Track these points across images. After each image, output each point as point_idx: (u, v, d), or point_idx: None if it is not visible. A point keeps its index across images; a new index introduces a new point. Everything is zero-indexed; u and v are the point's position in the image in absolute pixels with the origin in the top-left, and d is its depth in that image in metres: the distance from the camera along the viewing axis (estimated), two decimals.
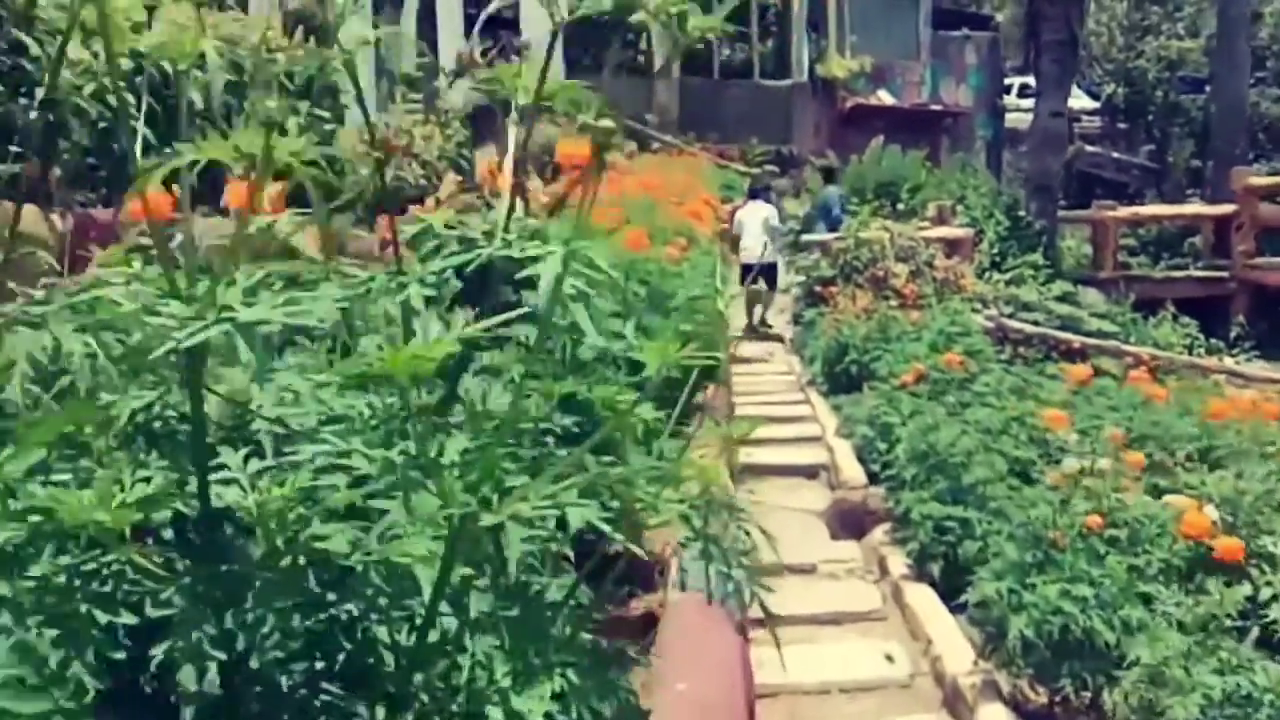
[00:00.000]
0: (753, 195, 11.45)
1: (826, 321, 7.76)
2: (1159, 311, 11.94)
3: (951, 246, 10.89)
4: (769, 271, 10.46)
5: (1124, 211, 12.97)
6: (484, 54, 20.04)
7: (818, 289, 10.14)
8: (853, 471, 5.53)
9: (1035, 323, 10.45)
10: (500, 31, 20.73)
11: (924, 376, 5.65)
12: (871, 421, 5.71)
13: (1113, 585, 3.06)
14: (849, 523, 5.31)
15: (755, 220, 10.73)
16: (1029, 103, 27.87)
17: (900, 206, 14.65)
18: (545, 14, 1.13)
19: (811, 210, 12.38)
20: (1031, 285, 11.16)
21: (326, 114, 5.69)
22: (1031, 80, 29.09)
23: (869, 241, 10.46)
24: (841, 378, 7.10)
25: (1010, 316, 10.22)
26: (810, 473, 6.00)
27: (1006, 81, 23.15)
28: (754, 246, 10.36)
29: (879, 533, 4.84)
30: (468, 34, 20.20)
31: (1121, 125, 23.94)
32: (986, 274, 11.15)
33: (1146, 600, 3.17)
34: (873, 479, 5.48)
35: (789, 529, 5.01)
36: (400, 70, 11.94)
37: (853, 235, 10.64)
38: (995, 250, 11.64)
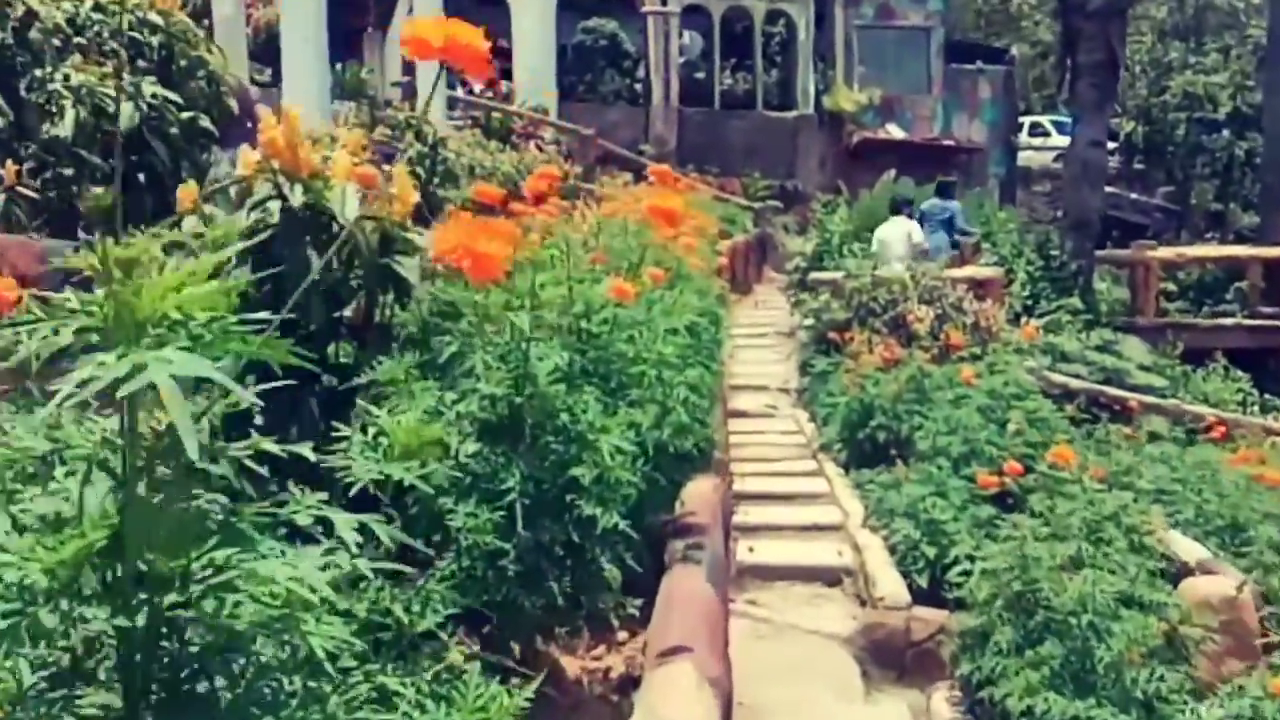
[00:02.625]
0: (894, 210, 10.31)
1: (845, 377, 6.42)
2: (1207, 363, 10.63)
3: (979, 288, 9.61)
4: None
5: (1166, 252, 11.73)
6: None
7: (829, 334, 8.86)
8: (891, 585, 4.17)
9: (1077, 375, 9.15)
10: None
11: (1016, 474, 4.26)
12: (913, 515, 4.35)
13: None
14: (887, 657, 3.94)
15: (898, 238, 9.62)
16: (1039, 141, 27.08)
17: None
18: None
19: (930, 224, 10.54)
20: (1070, 333, 9.85)
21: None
22: (1043, 119, 28.34)
23: (888, 281, 9.18)
24: (865, 446, 5.75)
25: (1048, 368, 8.92)
26: (831, 578, 4.62)
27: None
28: (895, 266, 9.21)
29: (941, 696, 3.45)
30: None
31: (1138, 165, 22.86)
32: (1020, 319, 9.84)
33: None
34: (917, 594, 4.12)
35: (807, 670, 3.62)
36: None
37: (868, 273, 9.38)
38: (1027, 293, 10.35)
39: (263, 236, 1.92)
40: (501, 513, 1.64)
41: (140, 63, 4.38)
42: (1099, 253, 11.17)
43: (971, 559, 4.15)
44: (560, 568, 1.78)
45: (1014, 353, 6.66)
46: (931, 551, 4.13)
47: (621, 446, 1.79)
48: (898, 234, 9.79)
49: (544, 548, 1.73)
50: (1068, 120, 27.85)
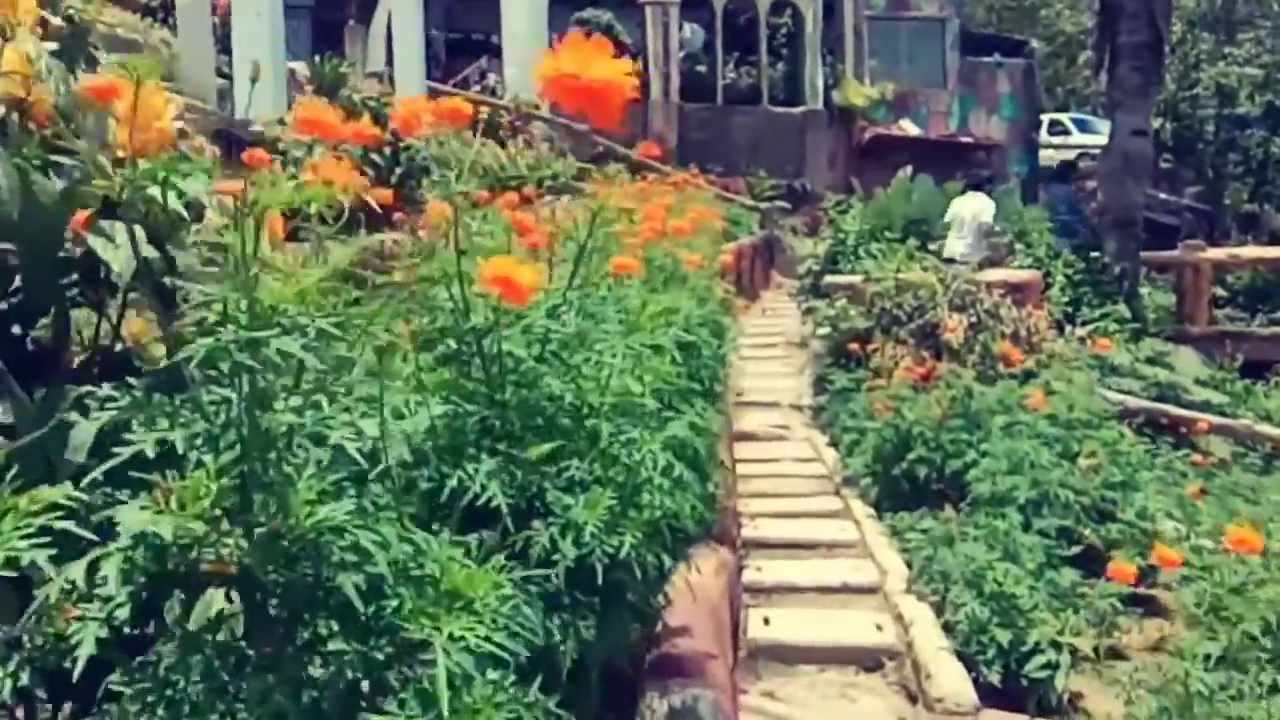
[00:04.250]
0: (973, 186, 10.21)
1: (874, 398, 5.39)
2: (1268, 377, 9.60)
3: (1015, 292, 8.59)
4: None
5: (1218, 252, 10.70)
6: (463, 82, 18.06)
7: (849, 344, 7.85)
8: (951, 679, 3.16)
9: (1129, 392, 8.12)
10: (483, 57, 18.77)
11: (1169, 564, 3.19)
12: (976, 583, 3.33)
13: None
14: None
15: (966, 215, 9.50)
16: (1059, 139, 26.00)
17: (933, 246, 12.43)
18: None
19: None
20: (1118, 343, 8.82)
21: None
22: (1063, 117, 27.26)
23: (914, 285, 8.17)
24: (901, 483, 4.72)
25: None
26: (869, 661, 3.60)
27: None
28: (955, 244, 9.31)
29: None
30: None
31: (1165, 163, 21.81)
32: (1062, 328, 8.84)
33: None
34: (986, 692, 3.10)
35: None
36: None
37: (891, 276, 8.38)
38: (1066, 298, 9.32)
39: None
40: None
41: None
42: (1143, 254, 10.14)
43: (1058, 646, 3.13)
44: None
45: (1070, 368, 5.60)
46: (1005, 636, 3.12)
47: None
48: (966, 211, 9.45)
49: None
50: (1089, 118, 26.93)
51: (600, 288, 2.01)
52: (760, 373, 9.32)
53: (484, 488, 1.05)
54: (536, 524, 1.11)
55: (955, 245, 9.21)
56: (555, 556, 1.07)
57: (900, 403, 4.92)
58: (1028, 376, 6.06)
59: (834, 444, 6.49)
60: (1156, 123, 20.92)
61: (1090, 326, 9.15)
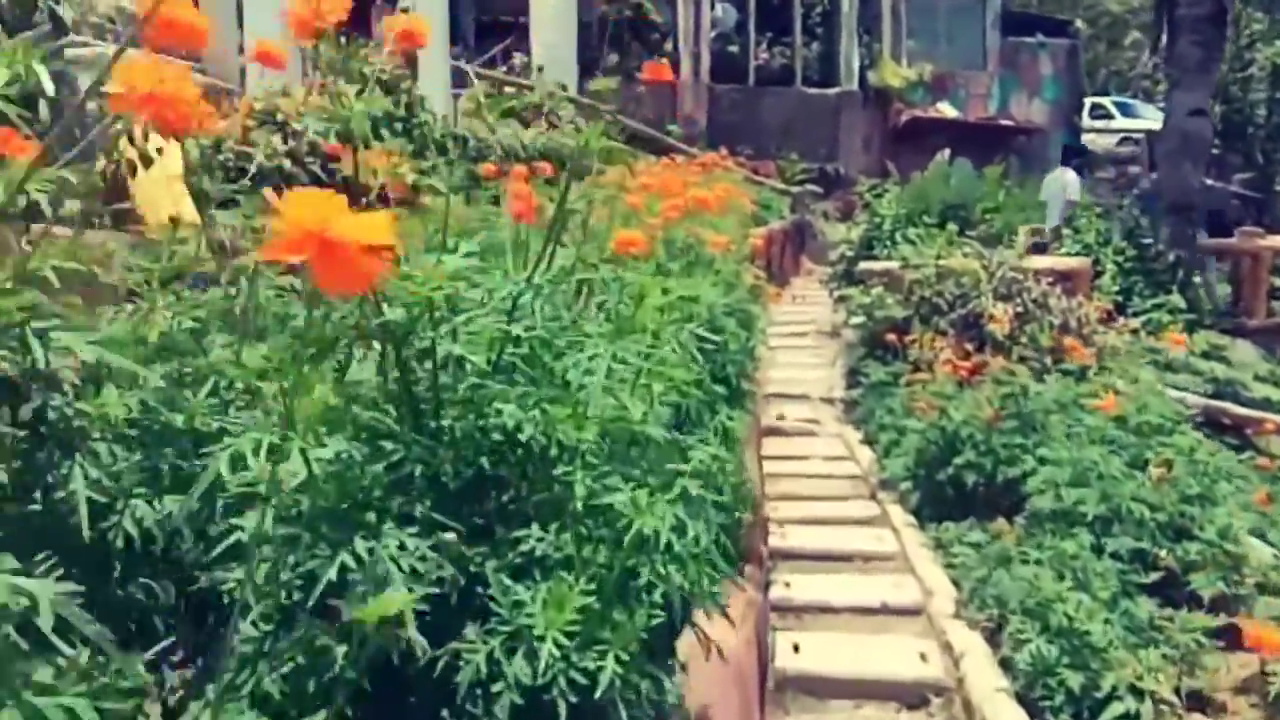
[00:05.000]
0: (1065, 160, 11.07)
1: (916, 396, 4.94)
2: None
3: (1064, 280, 8.07)
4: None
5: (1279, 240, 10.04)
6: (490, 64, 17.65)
7: (886, 335, 7.40)
8: None
9: (1184, 389, 7.59)
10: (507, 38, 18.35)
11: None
12: (1040, 614, 2.91)
13: None
14: None
15: (1055, 189, 10.18)
16: (1101, 123, 25.09)
17: (972, 233, 11.86)
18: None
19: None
20: (1171, 336, 8.26)
21: None
22: (1105, 100, 26.30)
23: (955, 272, 7.69)
24: (947, 489, 4.28)
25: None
26: (912, 697, 3.19)
27: None
28: (1054, 221, 9.87)
29: None
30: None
31: (1214, 149, 20.91)
32: (1112, 318, 8.30)
33: None
34: None
35: None
36: None
37: (932, 262, 7.90)
38: (1117, 287, 8.78)
39: None
40: None
41: None
42: (1199, 241, 9.54)
43: (1138, 692, 2.70)
44: None
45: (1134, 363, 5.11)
46: (1076, 680, 2.70)
47: None
48: (1055, 185, 9.98)
49: None
50: (1131, 102, 26.00)
51: (600, 272, 1.61)
52: (790, 363, 8.88)
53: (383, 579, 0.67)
54: (470, 632, 0.72)
55: (1052, 219, 9.86)
56: (496, 688, 0.68)
57: (946, 400, 4.47)
58: (1082, 372, 5.59)
59: (869, 442, 6.07)
60: None
61: (1143, 317, 8.61)
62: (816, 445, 6.36)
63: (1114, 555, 3.21)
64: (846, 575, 3.98)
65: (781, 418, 6.99)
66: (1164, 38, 9.27)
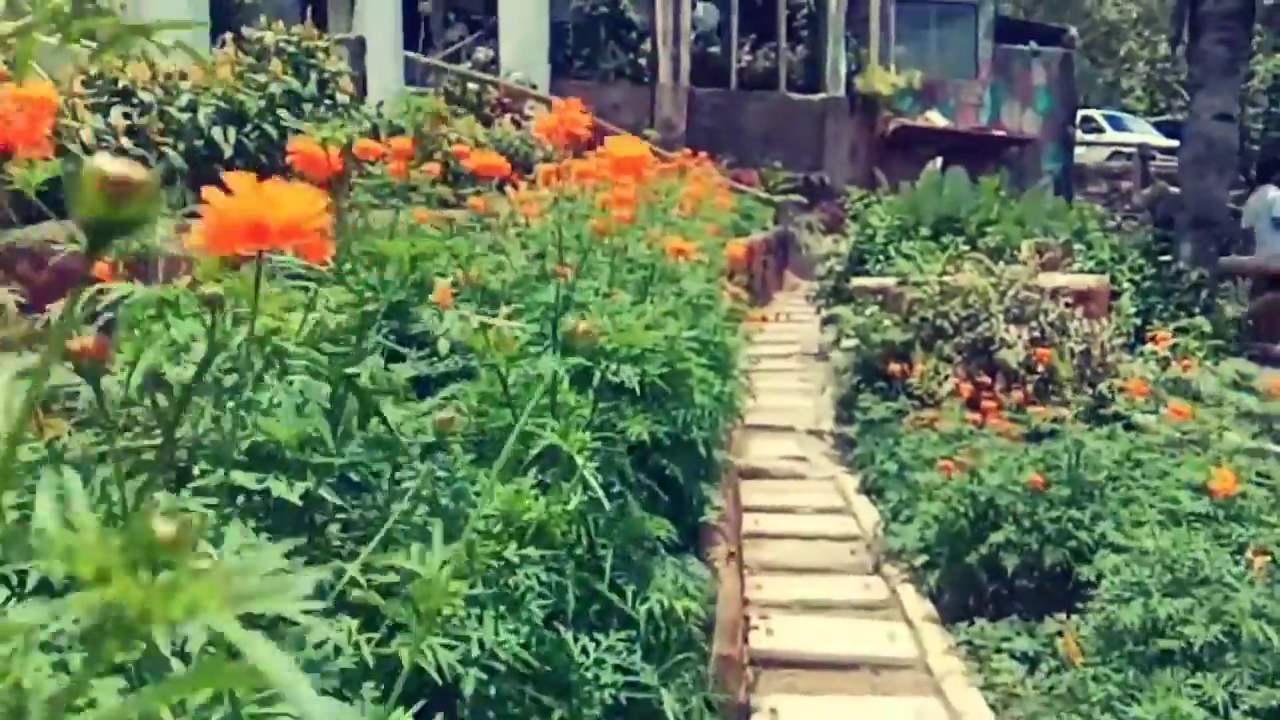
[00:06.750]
0: (1263, 176, 10.16)
1: (935, 449, 3.98)
2: None
3: (1082, 302, 7.19)
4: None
5: None
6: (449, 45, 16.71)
7: (888, 363, 6.48)
8: None
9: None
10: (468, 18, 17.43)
11: None
12: None
13: None
14: None
15: (1261, 209, 9.37)
16: (1092, 136, 24.44)
17: (967, 247, 11.00)
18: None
19: None
20: (1197, 363, 7.40)
21: None
22: (1095, 113, 25.67)
23: (962, 290, 6.79)
24: (979, 573, 3.32)
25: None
26: None
27: None
28: (1271, 241, 8.72)
29: None
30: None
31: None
32: (1132, 344, 7.45)
33: None
34: None
35: None
36: None
37: (934, 279, 7.01)
38: (1135, 309, 7.92)
39: None
40: None
41: None
42: (1221, 259, 8.71)
43: None
44: None
45: (1219, 413, 4.17)
46: None
47: None
48: (1259, 204, 9.15)
49: None
50: (1122, 115, 25.39)
51: None
52: (772, 389, 7.93)
53: None
54: None
55: (1272, 243, 9.04)
56: None
57: (976, 456, 3.53)
58: (1116, 417, 4.67)
59: (868, 491, 5.12)
60: None
61: (1163, 342, 7.73)
62: (806, 494, 5.40)
63: (1232, 696, 2.27)
64: (853, 697, 3.01)
65: (764, 473, 6.00)
66: (1184, 37, 8.45)
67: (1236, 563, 2.58)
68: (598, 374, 1.37)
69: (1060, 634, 2.86)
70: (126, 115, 3.24)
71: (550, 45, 15.63)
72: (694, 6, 17.23)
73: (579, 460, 1.02)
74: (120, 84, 3.37)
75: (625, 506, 1.44)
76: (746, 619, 3.33)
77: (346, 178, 1.38)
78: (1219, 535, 2.80)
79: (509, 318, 1.20)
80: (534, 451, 1.07)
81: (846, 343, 7.52)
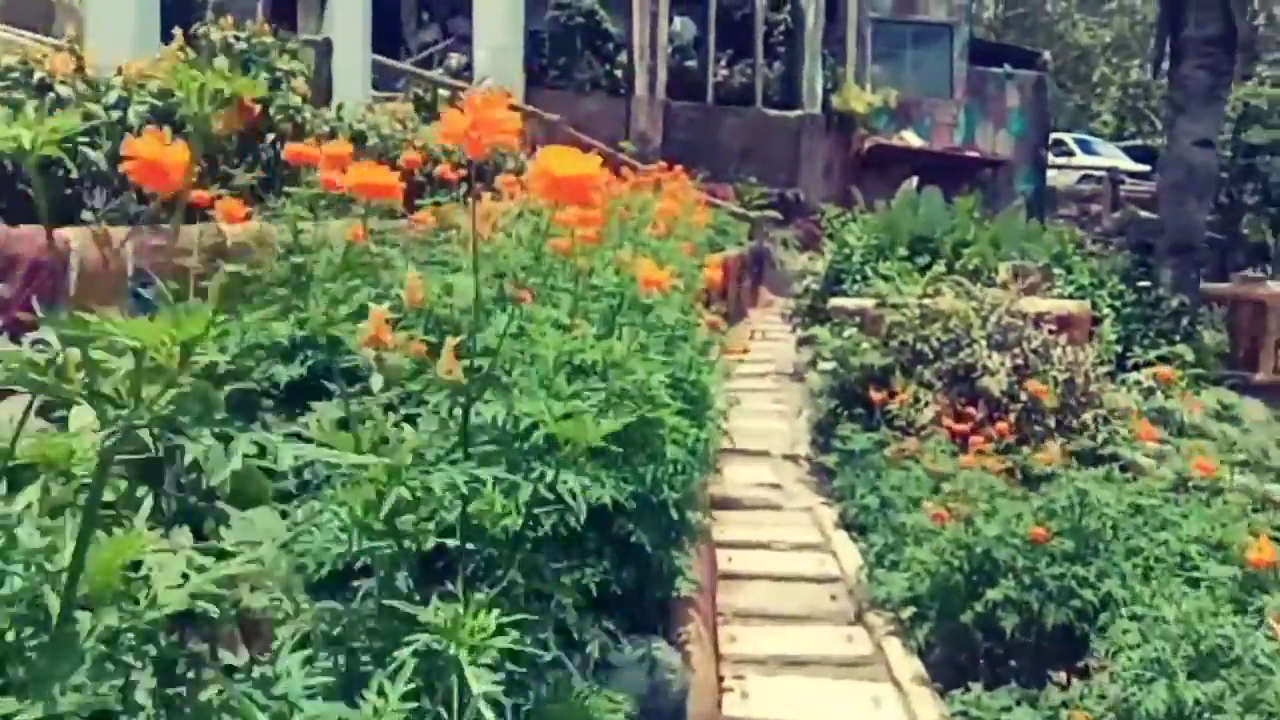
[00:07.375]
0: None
1: (926, 501, 3.71)
2: None
3: (1065, 328, 7.01)
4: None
5: None
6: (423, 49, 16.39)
7: (862, 387, 6.25)
8: None
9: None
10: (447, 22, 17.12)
11: None
12: None
13: None
14: None
15: None
16: (1062, 160, 24.59)
17: (943, 269, 10.85)
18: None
19: None
20: (1179, 392, 7.26)
21: None
22: (1066, 137, 25.86)
23: (943, 314, 6.58)
24: (974, 634, 3.04)
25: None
26: None
27: None
28: None
29: None
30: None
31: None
32: (1112, 371, 7.28)
33: None
34: None
35: None
36: None
37: (914, 302, 6.81)
38: (1115, 336, 7.76)
39: None
40: None
41: None
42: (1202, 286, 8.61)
43: None
44: None
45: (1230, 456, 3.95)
46: None
47: None
48: None
49: None
50: (1092, 139, 25.60)
51: None
52: (747, 410, 7.65)
53: None
54: None
55: None
56: None
57: (969, 502, 3.26)
58: (1111, 459, 4.45)
59: (849, 526, 4.86)
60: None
61: (1145, 370, 7.59)
62: (781, 527, 5.13)
63: None
64: None
65: (738, 503, 5.71)
66: (1165, 62, 8.36)
67: (1268, 637, 2.33)
68: (527, 487, 1.08)
69: (1065, 704, 2.59)
70: (38, 110, 2.91)
71: (526, 54, 15.35)
72: (671, 20, 17.06)
73: (471, 679, 0.72)
74: (37, 76, 3.03)
75: (568, 679, 1.13)
76: (720, 678, 3.03)
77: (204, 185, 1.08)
78: (1235, 599, 2.55)
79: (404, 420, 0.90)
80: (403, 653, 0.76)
81: (824, 365, 7.27)
